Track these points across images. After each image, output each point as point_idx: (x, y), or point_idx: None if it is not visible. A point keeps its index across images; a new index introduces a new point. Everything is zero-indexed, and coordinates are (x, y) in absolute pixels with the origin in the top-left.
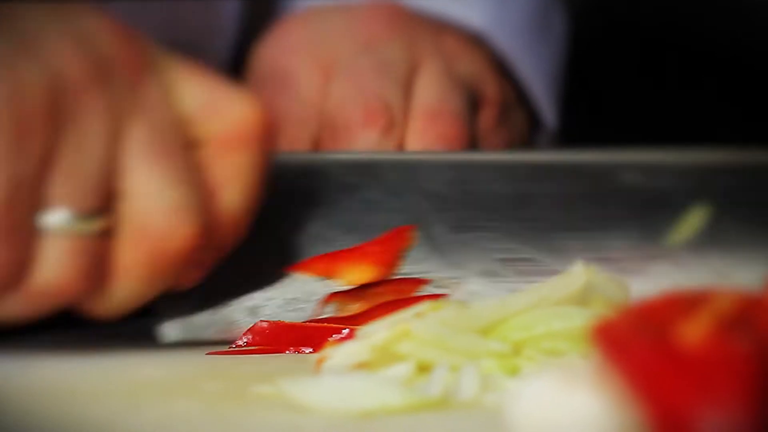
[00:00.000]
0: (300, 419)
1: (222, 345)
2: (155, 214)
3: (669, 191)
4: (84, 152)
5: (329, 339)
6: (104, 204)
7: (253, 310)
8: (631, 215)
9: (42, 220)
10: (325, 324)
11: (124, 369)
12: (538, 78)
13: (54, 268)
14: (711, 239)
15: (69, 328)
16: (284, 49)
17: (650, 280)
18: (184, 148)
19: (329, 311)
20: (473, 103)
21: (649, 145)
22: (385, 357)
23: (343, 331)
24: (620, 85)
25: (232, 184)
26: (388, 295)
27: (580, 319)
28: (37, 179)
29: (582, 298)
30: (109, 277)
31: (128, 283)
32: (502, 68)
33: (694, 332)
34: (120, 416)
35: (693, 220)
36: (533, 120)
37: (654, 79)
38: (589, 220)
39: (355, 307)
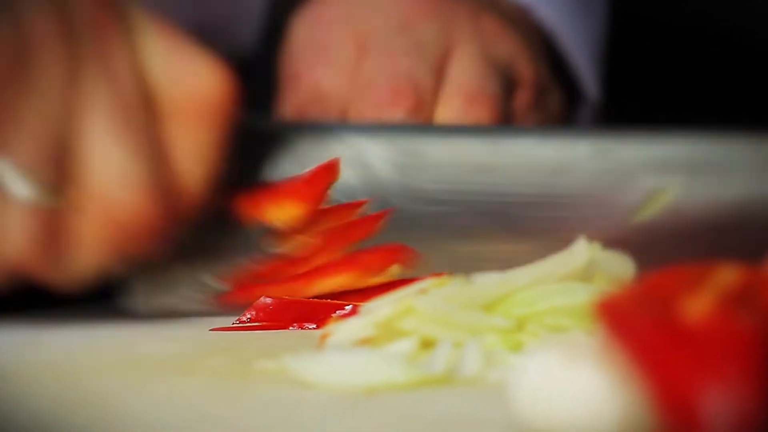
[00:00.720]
0: (303, 395)
1: (190, 316)
2: (111, 181)
3: (633, 171)
4: (38, 110)
5: (333, 315)
6: (60, 170)
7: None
8: (590, 194)
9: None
10: (329, 300)
11: (125, 345)
12: (582, 51)
13: (10, 234)
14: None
15: (67, 303)
16: (321, 22)
17: None
18: (147, 117)
19: (279, 249)
20: (508, 85)
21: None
22: (388, 333)
23: (347, 307)
24: (662, 63)
25: (193, 154)
26: (328, 223)
27: (584, 295)
28: None
29: (585, 274)
30: (68, 248)
31: (87, 254)
32: (543, 44)
33: (697, 308)
34: (121, 393)
35: (658, 201)
36: (575, 94)
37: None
38: (547, 196)
39: (301, 242)
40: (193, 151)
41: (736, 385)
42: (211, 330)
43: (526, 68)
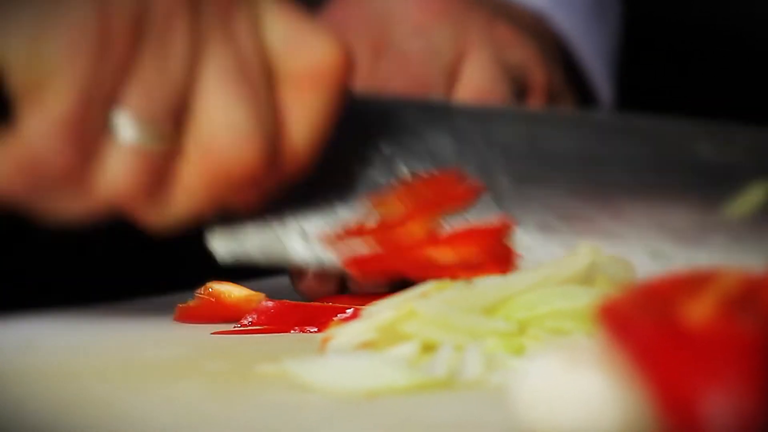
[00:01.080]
0: (305, 398)
1: (271, 273)
2: (222, 136)
3: (736, 167)
4: (164, 68)
5: (334, 318)
6: (175, 121)
7: (304, 234)
8: (696, 186)
9: (113, 124)
10: (330, 304)
11: (127, 348)
12: (595, 56)
13: (116, 174)
14: None
15: (71, 304)
16: (338, 26)
17: (708, 252)
18: (262, 80)
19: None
20: (520, 90)
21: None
22: (390, 336)
23: (348, 310)
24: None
25: (303, 120)
26: (424, 191)
27: (585, 299)
28: (115, 84)
29: (587, 278)
30: (169, 192)
31: (186, 200)
32: (557, 50)
33: (699, 312)
34: (123, 396)
35: (754, 196)
36: (589, 99)
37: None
38: (652, 186)
39: (396, 207)
40: (303, 117)
41: (737, 388)
42: (212, 333)
43: (538, 74)
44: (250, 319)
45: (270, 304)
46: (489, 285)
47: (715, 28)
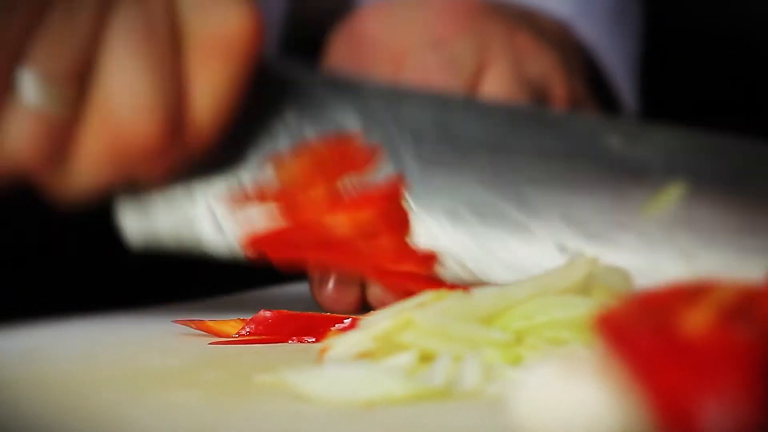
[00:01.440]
0: (302, 408)
1: (182, 261)
2: (125, 104)
3: (649, 164)
4: (70, 27)
5: (332, 328)
6: (79, 85)
7: (215, 218)
8: (606, 181)
9: (17, 84)
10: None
11: (124, 357)
12: (620, 65)
13: (18, 137)
14: (682, 218)
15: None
16: (359, 38)
17: (616, 250)
18: (169, 46)
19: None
20: (540, 101)
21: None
22: (387, 346)
23: (346, 321)
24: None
25: (210, 90)
26: (324, 154)
27: (583, 308)
28: (19, 42)
29: (584, 288)
30: (71, 158)
31: (89, 169)
32: (582, 59)
33: (696, 322)
34: (120, 405)
35: (668, 197)
36: (613, 107)
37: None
38: (562, 180)
39: (297, 171)
40: (210, 87)
41: (735, 399)
42: (210, 343)
43: (559, 86)
44: (248, 329)
45: (268, 314)
46: (487, 295)
47: (739, 35)
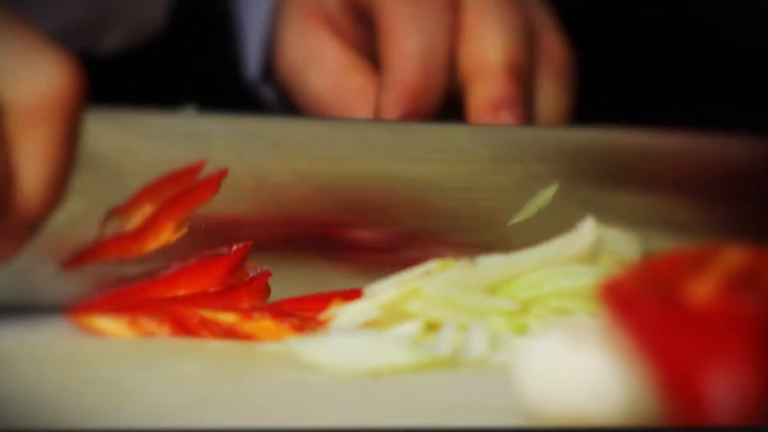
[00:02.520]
0: (308, 377)
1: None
2: None
3: (496, 160)
4: None
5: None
6: None
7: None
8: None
9: None
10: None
11: None
12: None
13: None
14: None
15: None
16: (308, 30)
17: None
18: None
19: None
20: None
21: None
22: (393, 316)
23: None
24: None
25: (37, 157)
26: (168, 191)
27: (588, 278)
28: None
29: (590, 257)
30: None
31: None
32: None
33: (701, 290)
34: (127, 375)
35: (537, 201)
36: None
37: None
38: (414, 181)
39: (139, 215)
40: (36, 154)
41: (740, 367)
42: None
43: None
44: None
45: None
46: (493, 264)
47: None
